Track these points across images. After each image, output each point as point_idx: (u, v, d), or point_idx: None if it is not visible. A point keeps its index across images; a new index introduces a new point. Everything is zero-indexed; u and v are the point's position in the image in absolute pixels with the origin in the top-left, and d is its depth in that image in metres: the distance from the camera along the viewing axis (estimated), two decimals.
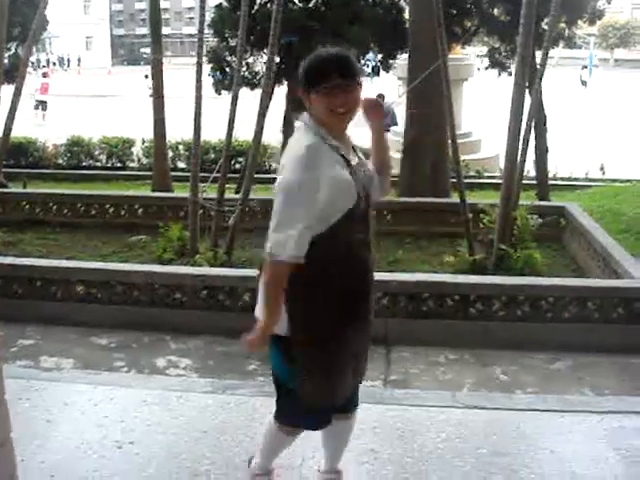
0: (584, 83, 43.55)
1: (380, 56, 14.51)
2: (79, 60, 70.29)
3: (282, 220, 2.69)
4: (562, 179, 15.00)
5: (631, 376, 5.75)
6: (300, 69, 2.80)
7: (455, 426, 4.05)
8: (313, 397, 2.93)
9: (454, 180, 8.96)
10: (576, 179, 15.35)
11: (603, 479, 3.57)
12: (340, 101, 2.73)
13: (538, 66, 8.81)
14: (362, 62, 15.09)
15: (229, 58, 13.22)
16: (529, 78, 8.73)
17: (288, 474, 3.54)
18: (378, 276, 6.43)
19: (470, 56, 19.38)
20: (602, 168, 16.06)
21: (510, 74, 13.19)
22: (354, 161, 2.87)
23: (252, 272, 6.85)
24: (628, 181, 14.63)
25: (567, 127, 22.93)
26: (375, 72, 15.07)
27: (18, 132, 17.11)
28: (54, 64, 67.58)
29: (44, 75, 32.90)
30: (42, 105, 28.60)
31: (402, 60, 14.32)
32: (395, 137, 16.61)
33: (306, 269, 2.74)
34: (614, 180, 14.91)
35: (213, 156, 14.45)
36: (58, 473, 3.57)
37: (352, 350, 2.96)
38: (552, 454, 3.81)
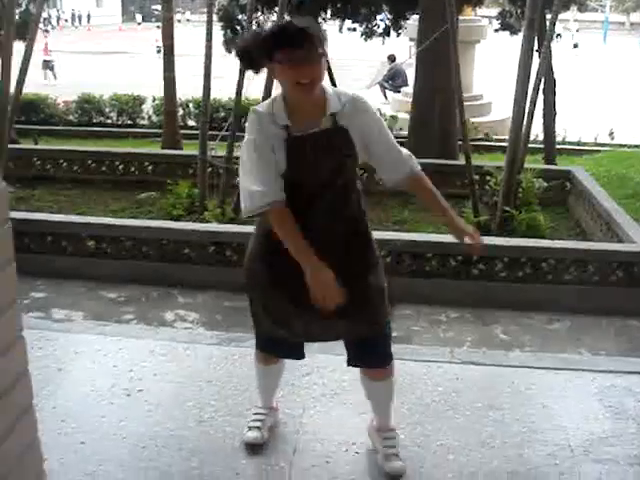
0: None
1: (391, 17, 14.45)
2: (89, 17, 69.80)
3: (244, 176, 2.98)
4: (570, 143, 14.99)
5: (628, 338, 5.88)
6: (260, 41, 2.83)
7: (452, 381, 4.18)
8: (251, 313, 3.34)
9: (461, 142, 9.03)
10: (585, 144, 15.32)
11: (592, 434, 3.68)
12: (305, 73, 2.77)
13: (547, 29, 8.82)
14: (374, 22, 15.03)
15: (240, 16, 13.21)
16: (539, 41, 8.76)
17: (290, 422, 3.69)
18: (383, 235, 6.53)
19: (482, 18, 19.23)
20: (611, 133, 16.02)
21: (520, 36, 13.13)
22: (309, 129, 2.93)
23: None
24: (637, 147, 14.62)
25: (580, 91, 22.81)
26: (386, 33, 14.99)
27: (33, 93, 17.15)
28: (65, 21, 67.12)
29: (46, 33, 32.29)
30: (48, 65, 28.34)
31: (413, 21, 14.26)
32: (405, 98, 16.61)
33: None
34: (623, 145, 14.89)
35: (223, 114, 14.48)
36: (69, 418, 3.71)
37: (280, 291, 3.11)
38: (544, 409, 3.94)
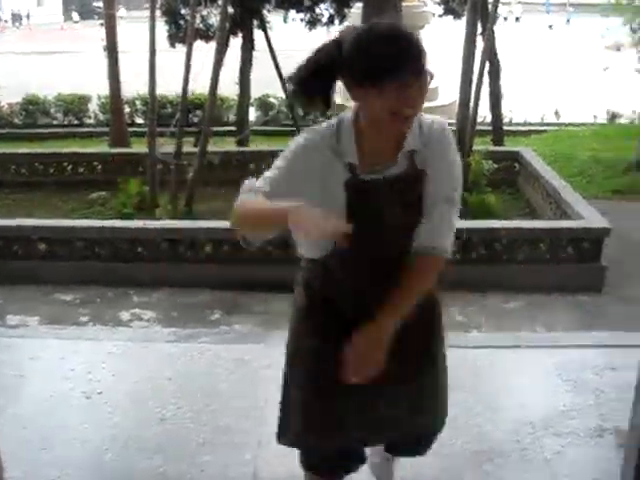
0: None
1: (335, 5, 14.43)
2: (28, 16, 68.48)
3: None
4: (517, 124, 15.15)
5: (580, 312, 5.98)
6: (351, 50, 2.01)
7: None
8: (280, 422, 2.54)
9: None
10: (531, 124, 15.50)
11: (552, 409, 3.73)
12: (411, 100, 2.00)
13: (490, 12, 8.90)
14: (317, 11, 15.00)
15: (183, 11, 13.09)
16: (483, 25, 8.83)
17: (253, 415, 3.68)
18: None
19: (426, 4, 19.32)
20: (557, 113, 16.23)
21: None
22: (380, 171, 2.15)
23: (212, 224, 6.98)
24: (582, 125, 14.84)
25: (525, 72, 23.05)
26: (330, 22, 14.96)
27: None
28: (6, 21, 65.85)
29: None
30: None
31: (357, 9, 14.26)
32: None
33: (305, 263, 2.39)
34: (568, 124, 15.09)
35: (170, 110, 14.34)
36: (30, 424, 3.65)
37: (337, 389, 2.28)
38: (504, 387, 3.99)
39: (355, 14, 14.57)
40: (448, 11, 14.93)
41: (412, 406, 2.41)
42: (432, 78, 2.04)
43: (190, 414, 3.69)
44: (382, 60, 1.94)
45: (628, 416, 2.55)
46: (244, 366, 3.99)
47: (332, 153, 2.12)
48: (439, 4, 15.75)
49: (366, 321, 2.18)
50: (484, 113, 11.71)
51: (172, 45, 13.33)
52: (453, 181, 2.25)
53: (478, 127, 8.90)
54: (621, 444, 2.13)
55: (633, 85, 15.79)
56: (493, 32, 8.88)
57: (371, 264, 2.23)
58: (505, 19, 34.44)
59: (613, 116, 15.81)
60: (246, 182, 2.17)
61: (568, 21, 45.72)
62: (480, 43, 8.25)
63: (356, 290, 2.27)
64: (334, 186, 2.12)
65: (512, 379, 4.07)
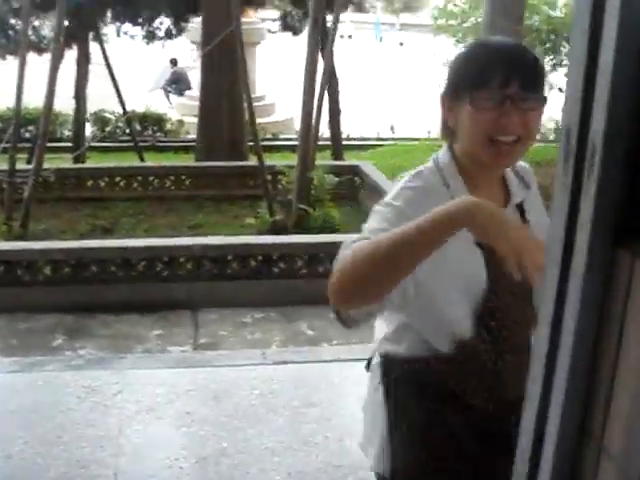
0: None
1: (172, 19, 14.28)
2: None
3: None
4: (354, 139, 15.50)
5: None
6: (452, 62, 1.78)
7: (267, 382, 4.19)
8: None
9: (251, 143, 9.11)
10: (368, 139, 15.90)
11: None
12: (509, 124, 1.65)
13: (330, 29, 9.07)
14: (154, 25, 14.81)
15: (12, 21, 12.57)
16: (322, 42, 8.98)
17: (107, 445, 3.54)
18: (181, 241, 6.41)
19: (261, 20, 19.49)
20: (392, 128, 16.75)
21: (302, 36, 13.40)
22: None
23: (50, 244, 6.69)
24: (417, 139, 15.36)
25: (360, 89, 23.62)
26: (168, 36, 14.81)
27: None
28: None
29: None
30: None
31: (196, 24, 14.20)
32: (190, 101, 16.51)
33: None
34: (403, 139, 15.59)
35: (1, 125, 13.74)
36: None
37: None
38: (359, 399, 4.02)
39: (194, 29, 14.53)
40: (286, 27, 15.10)
41: None
42: (544, 105, 1.73)
43: (40, 448, 3.50)
44: (476, 68, 1.67)
45: None
46: (94, 394, 3.85)
47: (448, 198, 1.64)
48: (276, 20, 15.92)
49: (507, 418, 1.72)
50: (322, 129, 11.90)
51: (2, 57, 12.77)
52: None
53: (319, 142, 9.02)
54: None
55: None
56: (332, 49, 9.03)
57: (513, 344, 1.81)
58: (342, 37, 35.35)
59: None
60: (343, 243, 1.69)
61: (381, 39, 46.64)
62: (320, 60, 8.37)
63: (499, 380, 1.81)
64: (462, 243, 1.60)
65: (365, 390, 4.11)
